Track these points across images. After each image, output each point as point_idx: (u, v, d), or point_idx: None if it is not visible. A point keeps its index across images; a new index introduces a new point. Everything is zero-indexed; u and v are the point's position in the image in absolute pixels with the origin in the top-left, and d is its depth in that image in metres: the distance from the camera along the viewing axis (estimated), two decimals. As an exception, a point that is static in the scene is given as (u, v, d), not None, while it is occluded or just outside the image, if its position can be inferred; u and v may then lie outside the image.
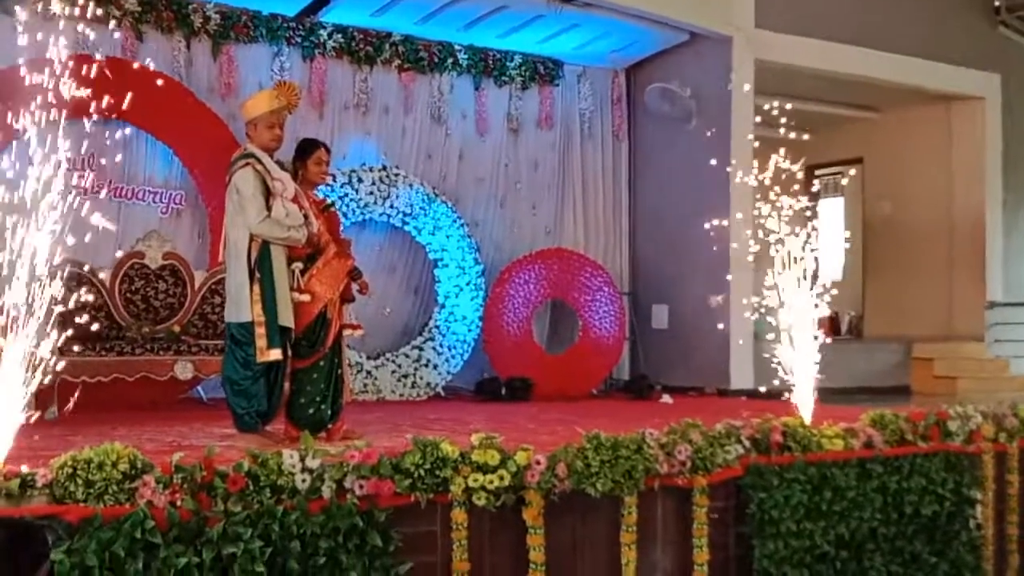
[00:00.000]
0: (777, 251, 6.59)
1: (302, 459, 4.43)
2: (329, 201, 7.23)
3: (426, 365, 10.06)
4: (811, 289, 6.56)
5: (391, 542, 4.52)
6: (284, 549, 4.26)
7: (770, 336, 6.67)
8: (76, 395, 5.38)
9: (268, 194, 5.94)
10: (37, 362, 4.44)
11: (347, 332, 6.50)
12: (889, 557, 6.12)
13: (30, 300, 4.44)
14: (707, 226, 8.92)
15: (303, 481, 4.39)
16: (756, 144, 7.25)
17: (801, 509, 5.79)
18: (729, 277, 9.61)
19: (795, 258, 6.57)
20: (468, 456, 4.78)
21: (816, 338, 6.49)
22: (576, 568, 5.14)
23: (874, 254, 14.04)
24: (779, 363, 6.59)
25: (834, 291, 6.71)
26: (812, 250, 6.66)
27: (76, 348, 7.40)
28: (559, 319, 11.28)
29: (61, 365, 4.45)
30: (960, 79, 12.39)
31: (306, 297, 6.11)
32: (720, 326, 9.67)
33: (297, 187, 6.20)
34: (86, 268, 7.61)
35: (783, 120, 6.85)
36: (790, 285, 6.53)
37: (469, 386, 10.31)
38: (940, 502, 6.37)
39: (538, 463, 4.94)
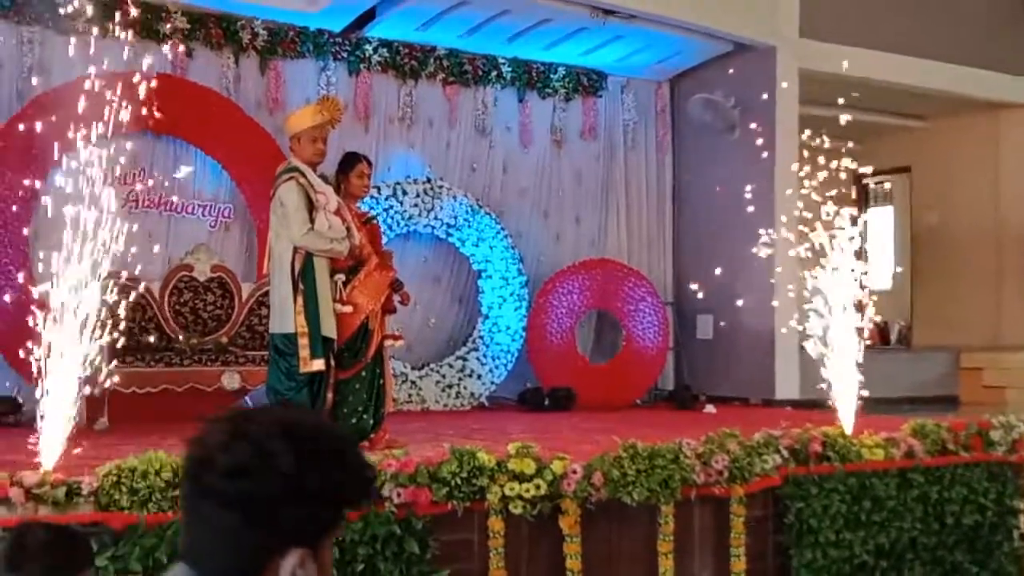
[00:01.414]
0: (820, 264, 6.62)
1: (341, 468, 4.52)
2: (371, 214, 7.36)
3: (470, 375, 10.14)
4: (853, 299, 6.59)
5: (428, 550, 4.60)
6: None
7: (812, 346, 6.69)
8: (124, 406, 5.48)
9: (311, 207, 6.05)
10: (88, 373, 4.57)
11: (388, 343, 6.60)
12: (929, 567, 6.12)
13: (80, 311, 4.57)
14: (750, 234, 8.95)
15: (342, 489, 4.47)
16: (806, 154, 7.24)
17: (840, 519, 5.80)
18: (773, 288, 9.60)
19: (837, 268, 6.60)
20: (504, 465, 4.85)
21: (858, 348, 6.50)
22: (614, 577, 5.19)
23: (922, 263, 13.92)
24: (823, 374, 6.62)
25: (873, 298, 6.69)
26: (856, 260, 6.69)
27: (126, 359, 7.65)
28: (603, 329, 11.31)
29: (112, 376, 4.57)
30: (1007, 87, 12.26)
31: (348, 308, 6.22)
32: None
33: (340, 200, 6.31)
34: (137, 281, 7.78)
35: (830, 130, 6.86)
36: (833, 295, 6.55)
37: (512, 396, 10.36)
38: (982, 512, 6.35)
39: (574, 472, 5.01)
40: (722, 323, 11.05)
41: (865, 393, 6.73)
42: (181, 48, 9.03)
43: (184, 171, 8.87)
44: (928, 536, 6.15)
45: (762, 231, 9.21)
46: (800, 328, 6.80)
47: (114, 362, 7.29)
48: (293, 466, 1.50)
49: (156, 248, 8.72)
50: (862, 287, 6.75)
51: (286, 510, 1.50)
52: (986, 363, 11.87)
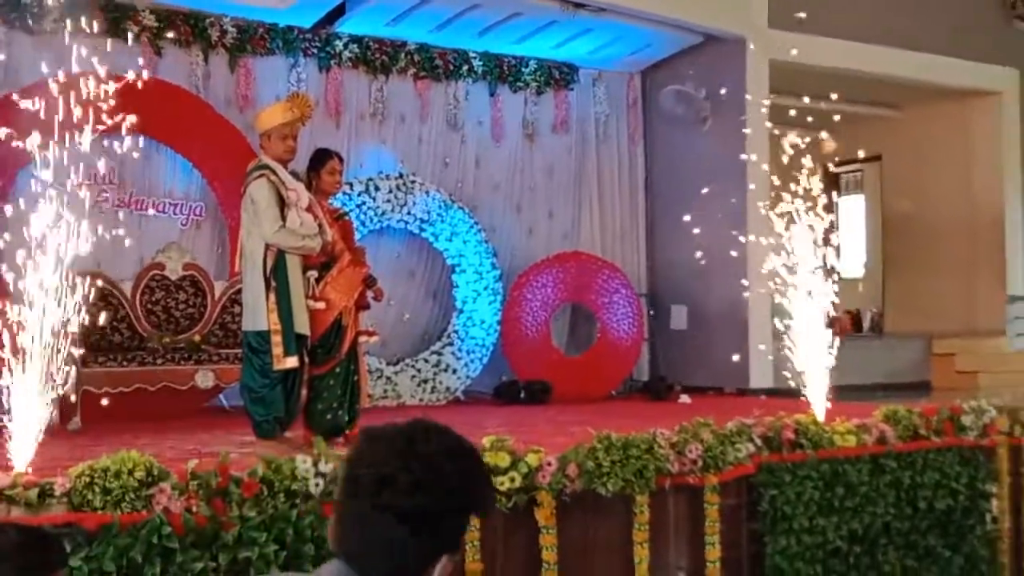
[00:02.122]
0: (789, 253, 6.66)
1: (315, 463, 4.53)
2: (343, 210, 7.36)
3: (445, 370, 10.14)
4: (823, 287, 6.64)
5: (404, 544, 4.60)
6: (298, 553, 4.36)
7: (784, 333, 6.74)
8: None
9: (283, 204, 6.05)
10: (58, 374, 4.56)
11: (363, 338, 6.61)
12: (903, 552, 6.18)
13: (50, 312, 4.56)
14: (723, 225, 9.01)
15: (316, 485, 4.49)
16: (786, 147, 7.28)
17: (813, 505, 5.85)
18: (745, 282, 9.65)
19: (807, 256, 6.65)
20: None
21: (827, 336, 6.55)
22: (589, 567, 5.21)
23: (894, 251, 14.02)
24: (792, 362, 6.67)
25: (835, 288, 6.72)
26: (826, 247, 6.74)
27: (98, 359, 7.62)
28: (577, 322, 11.33)
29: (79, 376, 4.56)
30: (977, 75, 12.36)
31: (321, 305, 6.23)
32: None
33: (311, 197, 6.30)
34: (107, 281, 7.76)
35: (809, 119, 6.91)
36: (801, 283, 6.60)
37: (488, 390, 10.38)
38: (954, 496, 6.41)
39: (549, 464, 5.03)
40: (696, 313, 11.10)
41: (837, 381, 6.79)
42: (148, 46, 8.98)
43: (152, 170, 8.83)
44: (901, 521, 6.21)
45: (733, 221, 9.31)
46: (772, 317, 6.84)
47: (83, 365, 7.28)
48: (457, 482, 1.77)
49: (127, 245, 8.69)
50: (832, 276, 6.80)
51: (447, 521, 1.77)
52: (958, 349, 11.98)
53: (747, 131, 10.19)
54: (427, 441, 1.78)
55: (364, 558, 1.75)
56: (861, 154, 10.75)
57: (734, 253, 9.69)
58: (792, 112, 8.07)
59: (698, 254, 10.69)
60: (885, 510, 6.12)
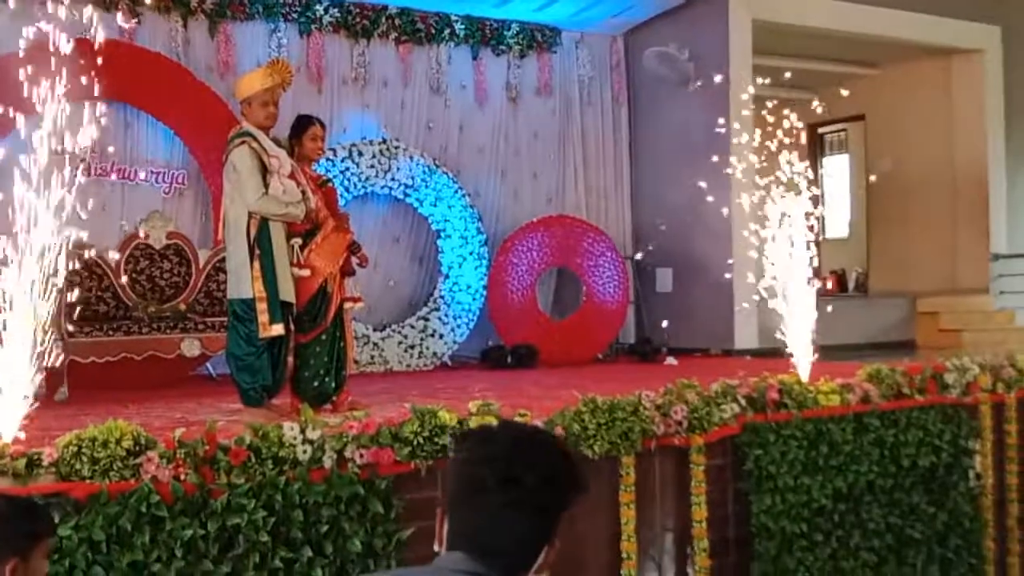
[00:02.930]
0: (770, 214, 6.68)
1: (303, 431, 4.54)
2: (326, 177, 7.34)
3: (432, 335, 10.16)
4: (806, 247, 6.66)
5: (392, 508, 4.64)
6: (287, 518, 4.38)
7: (767, 295, 6.77)
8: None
9: (265, 172, 6.03)
10: (45, 344, 4.55)
11: (348, 305, 6.61)
12: (887, 509, 6.23)
13: (36, 283, 4.54)
14: (707, 187, 9.01)
15: (304, 452, 4.50)
16: (769, 105, 7.26)
17: (798, 464, 5.89)
18: (730, 243, 9.67)
19: (791, 216, 6.66)
20: (466, 423, 4.88)
21: (810, 295, 6.58)
22: (576, 529, 5.24)
23: (878, 210, 14.06)
24: (778, 322, 6.70)
25: (813, 252, 6.74)
26: (810, 209, 6.75)
27: (84, 329, 7.61)
28: (563, 285, 11.36)
29: (65, 347, 4.55)
30: (959, 32, 12.34)
31: (306, 272, 6.22)
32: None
33: (294, 163, 6.28)
34: (91, 250, 7.72)
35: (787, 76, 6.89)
36: (785, 244, 6.62)
37: (475, 355, 10.40)
38: (937, 453, 6.47)
39: (535, 427, 5.04)
40: (681, 276, 11.13)
41: (823, 341, 6.83)
42: (127, 13, 8.89)
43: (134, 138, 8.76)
44: (885, 479, 6.26)
45: (717, 182, 9.30)
46: (756, 278, 6.86)
47: (69, 335, 7.26)
48: (568, 480, 1.99)
49: (108, 213, 8.67)
50: (816, 235, 6.83)
51: (560, 515, 1.98)
52: (942, 307, 12.04)
53: (730, 91, 10.18)
54: (543, 442, 2.04)
55: (488, 550, 1.92)
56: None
57: (720, 213, 9.70)
58: (778, 73, 8.08)
59: (683, 216, 10.71)
60: (869, 468, 6.17)
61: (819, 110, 8.22)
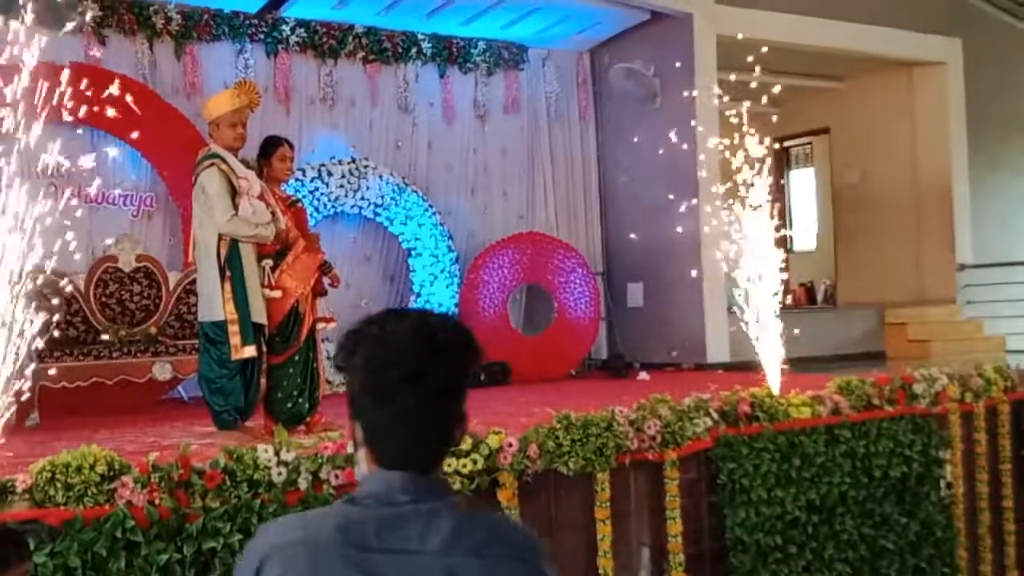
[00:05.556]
0: (737, 230, 6.73)
1: (277, 453, 4.53)
2: (296, 197, 7.33)
3: (405, 354, 10.12)
4: (774, 261, 6.71)
5: (368, 529, 4.62)
6: (263, 541, 4.35)
7: (737, 310, 6.82)
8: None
9: (234, 193, 6.02)
10: (13, 371, 4.53)
11: (320, 325, 6.60)
12: (860, 520, 6.27)
13: (3, 310, 4.52)
14: (676, 202, 9.07)
15: (279, 474, 4.49)
16: (733, 122, 7.32)
17: (771, 477, 5.93)
18: (699, 258, 9.72)
19: (758, 230, 6.71)
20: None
21: (778, 309, 6.63)
22: (553, 546, 5.25)
23: (845, 223, 14.17)
24: (748, 335, 6.75)
25: (781, 265, 6.79)
26: (777, 223, 6.82)
27: (54, 353, 7.55)
28: (534, 302, 11.37)
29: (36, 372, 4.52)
30: (921, 45, 12.49)
31: (277, 293, 6.21)
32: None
33: (263, 184, 6.28)
34: (60, 275, 7.67)
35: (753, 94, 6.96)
36: (753, 259, 6.68)
37: (448, 373, 10.36)
38: (908, 464, 6.52)
39: (510, 445, 5.06)
40: (652, 291, 11.18)
41: (793, 353, 6.88)
42: (92, 36, 8.86)
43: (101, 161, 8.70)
44: (857, 490, 6.30)
45: (685, 197, 9.36)
46: (726, 292, 6.91)
47: (39, 360, 7.21)
48: (470, 355, 1.96)
49: (76, 237, 8.59)
50: (784, 248, 6.89)
51: (466, 390, 1.96)
52: (910, 318, 12.13)
53: (696, 107, 10.25)
54: (438, 328, 1.92)
55: (415, 451, 1.88)
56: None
57: (687, 229, 9.76)
58: (742, 87, 8.13)
59: (652, 231, 10.76)
60: (841, 479, 6.22)
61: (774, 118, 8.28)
